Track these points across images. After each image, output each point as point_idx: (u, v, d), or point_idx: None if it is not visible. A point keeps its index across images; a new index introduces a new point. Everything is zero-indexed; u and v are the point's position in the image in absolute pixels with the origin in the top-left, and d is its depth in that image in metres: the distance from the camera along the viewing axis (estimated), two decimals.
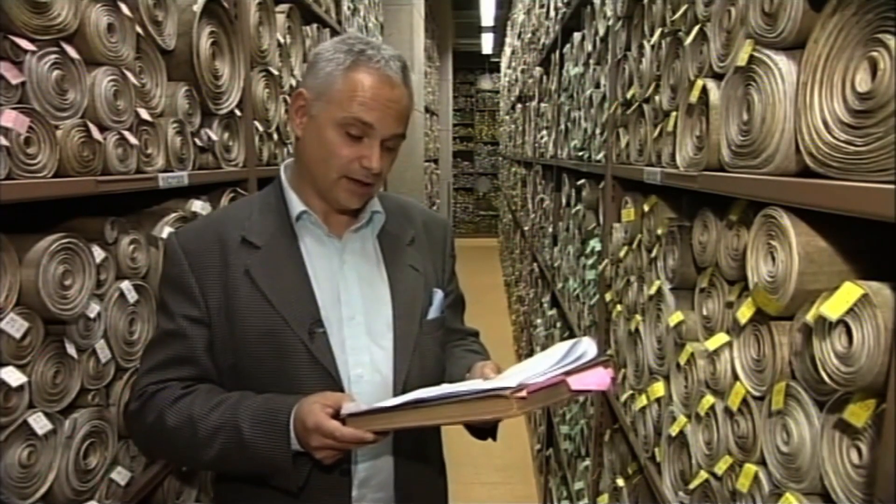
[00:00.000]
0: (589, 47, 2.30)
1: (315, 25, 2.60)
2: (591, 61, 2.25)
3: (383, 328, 1.12)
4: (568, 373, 0.89)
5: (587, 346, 0.95)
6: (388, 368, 1.11)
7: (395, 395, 1.09)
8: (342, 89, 1.04)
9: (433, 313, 1.19)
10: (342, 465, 1.06)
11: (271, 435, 0.98)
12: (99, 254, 1.15)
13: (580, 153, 2.39)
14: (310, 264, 1.10)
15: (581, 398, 2.32)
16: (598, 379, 0.90)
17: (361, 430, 0.94)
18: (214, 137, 1.62)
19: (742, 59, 0.90)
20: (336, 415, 0.96)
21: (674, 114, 1.22)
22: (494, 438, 1.16)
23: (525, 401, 0.84)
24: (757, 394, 0.94)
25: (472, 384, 0.93)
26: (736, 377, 0.99)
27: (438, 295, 1.20)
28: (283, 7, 2.19)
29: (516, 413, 0.85)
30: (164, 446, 1.10)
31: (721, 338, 1.04)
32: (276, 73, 2.01)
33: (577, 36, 2.59)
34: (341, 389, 1.06)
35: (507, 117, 8.04)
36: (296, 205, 1.12)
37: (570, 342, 0.97)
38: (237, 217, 1.14)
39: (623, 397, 1.67)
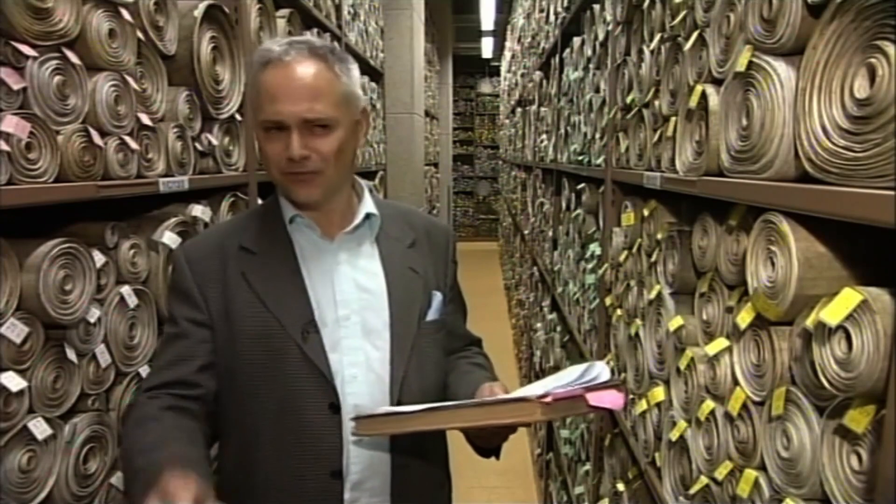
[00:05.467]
0: (588, 52, 2.31)
1: (315, 30, 2.61)
2: (591, 66, 2.25)
3: (379, 328, 1.13)
4: (587, 389, 0.93)
5: (601, 370, 0.98)
6: (384, 369, 1.11)
7: (392, 394, 1.10)
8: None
9: (432, 315, 1.19)
10: (333, 466, 1.07)
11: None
12: (99, 258, 1.16)
13: (580, 157, 2.39)
14: (304, 266, 1.12)
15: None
16: (614, 398, 0.94)
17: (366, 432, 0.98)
18: (215, 142, 1.62)
19: (741, 65, 0.90)
20: None
21: (673, 119, 1.23)
22: (497, 457, 1.17)
23: (549, 406, 0.87)
24: (757, 399, 0.93)
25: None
26: (736, 382, 0.99)
27: (438, 297, 1.21)
28: (284, 12, 2.20)
29: (540, 418, 0.88)
30: None
31: (721, 343, 1.04)
32: None
33: (576, 40, 2.59)
34: (333, 389, 1.07)
35: (507, 121, 8.05)
36: (288, 209, 1.14)
37: (583, 365, 1.00)
38: (237, 227, 1.18)
39: None
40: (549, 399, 0.86)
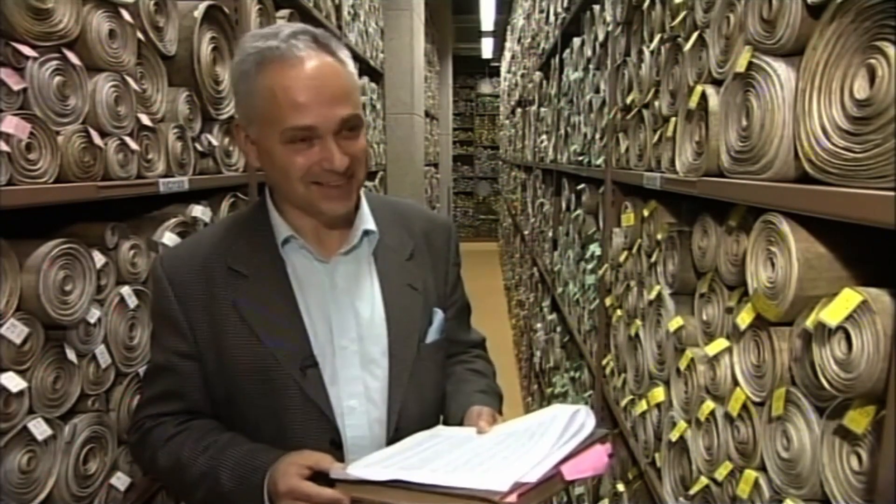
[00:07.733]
0: (588, 52, 2.31)
1: None
2: (591, 66, 2.26)
3: (378, 356, 1.06)
4: (564, 458, 0.82)
5: (585, 418, 0.89)
6: (382, 399, 1.05)
7: (390, 423, 1.05)
8: (264, 105, 0.94)
9: (432, 336, 1.11)
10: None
11: (246, 493, 0.95)
12: (99, 259, 1.16)
13: (580, 158, 2.39)
14: (299, 293, 1.04)
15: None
16: (595, 461, 0.85)
17: (345, 496, 0.88)
18: (215, 142, 1.63)
19: (741, 66, 0.90)
20: (313, 475, 0.91)
21: (673, 119, 1.23)
22: None
23: (518, 501, 0.76)
24: (757, 399, 0.94)
25: (464, 465, 0.85)
26: (736, 383, 0.99)
27: (439, 316, 1.13)
28: (284, 12, 2.20)
29: None
30: (162, 482, 1.12)
31: (721, 343, 1.05)
32: None
33: (576, 41, 2.59)
34: (333, 424, 1.02)
35: (507, 121, 8.06)
36: (282, 229, 1.05)
37: (568, 411, 0.90)
38: (222, 242, 1.07)
39: (623, 402, 1.67)
40: (513, 498, 0.75)
